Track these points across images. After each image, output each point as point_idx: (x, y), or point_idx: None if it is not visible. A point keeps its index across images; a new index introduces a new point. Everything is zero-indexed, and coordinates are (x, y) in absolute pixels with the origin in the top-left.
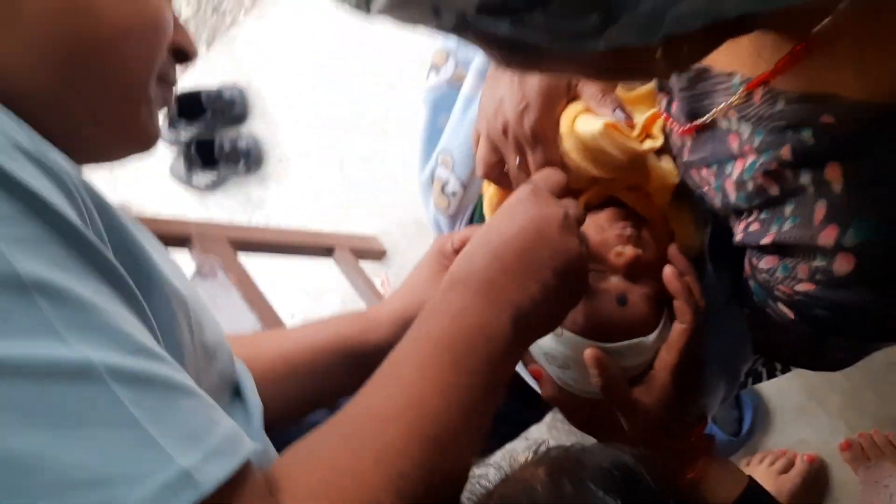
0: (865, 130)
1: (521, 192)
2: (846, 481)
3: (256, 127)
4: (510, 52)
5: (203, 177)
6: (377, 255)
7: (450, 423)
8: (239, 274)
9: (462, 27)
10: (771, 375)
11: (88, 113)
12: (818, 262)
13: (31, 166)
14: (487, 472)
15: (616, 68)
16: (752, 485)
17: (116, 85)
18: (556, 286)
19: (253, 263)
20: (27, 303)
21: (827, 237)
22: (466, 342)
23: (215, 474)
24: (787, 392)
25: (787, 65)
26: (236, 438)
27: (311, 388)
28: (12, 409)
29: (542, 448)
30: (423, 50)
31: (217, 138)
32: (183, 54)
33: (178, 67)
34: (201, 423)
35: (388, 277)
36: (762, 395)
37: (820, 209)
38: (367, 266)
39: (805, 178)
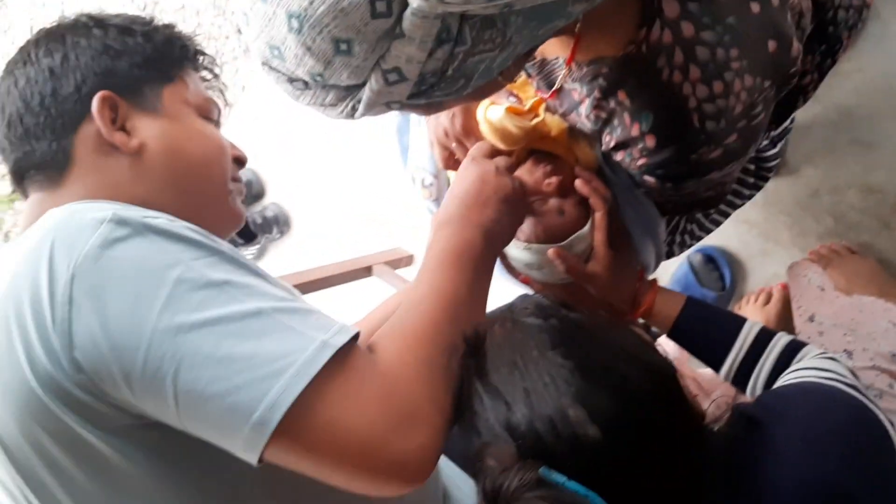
0: (622, 69)
1: (465, 162)
2: None
3: (275, 197)
4: (426, 109)
5: (247, 251)
6: (408, 261)
7: (456, 296)
8: None
9: (398, 108)
10: (703, 230)
11: (198, 209)
12: (640, 145)
13: (196, 233)
14: None
15: (484, 94)
16: (690, 300)
17: (209, 190)
18: (505, 209)
19: (313, 300)
20: (220, 291)
21: (635, 130)
22: (456, 253)
23: (340, 340)
24: (748, 243)
25: (574, 48)
26: (348, 326)
27: None
28: (231, 336)
29: None
30: None
31: (248, 216)
32: (240, 161)
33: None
34: (326, 322)
35: None
36: (732, 252)
37: (626, 117)
38: (403, 273)
39: (612, 104)
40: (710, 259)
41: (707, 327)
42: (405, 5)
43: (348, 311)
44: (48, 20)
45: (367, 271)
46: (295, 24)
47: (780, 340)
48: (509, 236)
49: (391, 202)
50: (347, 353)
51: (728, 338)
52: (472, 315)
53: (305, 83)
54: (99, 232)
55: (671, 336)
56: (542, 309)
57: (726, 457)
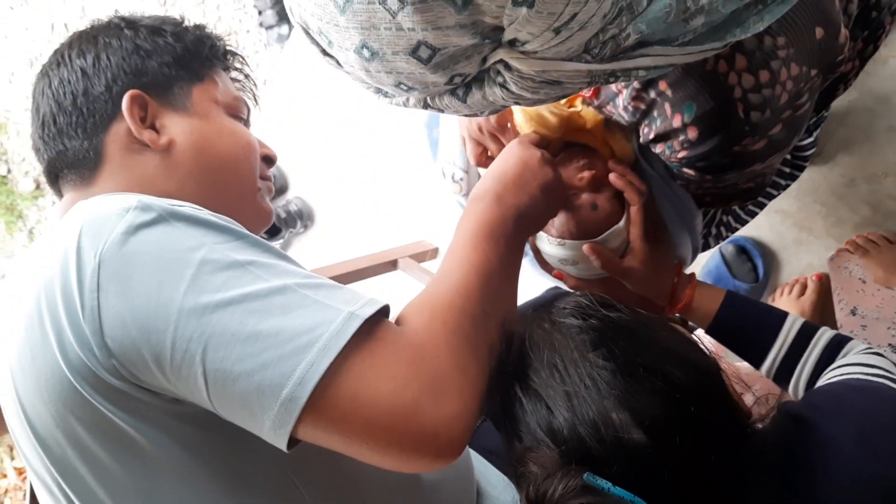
0: None
1: (511, 144)
2: None
3: (299, 191)
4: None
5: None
6: (433, 254)
7: (487, 268)
8: None
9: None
10: (740, 221)
11: (227, 205)
12: (681, 137)
13: (220, 219)
14: None
15: None
16: (730, 294)
17: (237, 187)
18: (542, 196)
19: None
20: (245, 271)
21: (677, 121)
22: (488, 228)
23: (368, 311)
24: (781, 233)
25: None
26: (376, 299)
27: None
28: (257, 313)
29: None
30: None
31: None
32: (269, 159)
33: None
34: (354, 295)
35: None
36: (765, 243)
37: (667, 107)
38: (428, 266)
39: (653, 94)
40: (743, 250)
41: (748, 323)
42: None
43: None
44: (68, 17)
45: (392, 265)
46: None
47: (824, 335)
48: (541, 223)
49: (415, 195)
50: (375, 324)
51: (769, 333)
52: (503, 293)
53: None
54: (124, 219)
55: (710, 332)
56: (581, 309)
57: (775, 457)
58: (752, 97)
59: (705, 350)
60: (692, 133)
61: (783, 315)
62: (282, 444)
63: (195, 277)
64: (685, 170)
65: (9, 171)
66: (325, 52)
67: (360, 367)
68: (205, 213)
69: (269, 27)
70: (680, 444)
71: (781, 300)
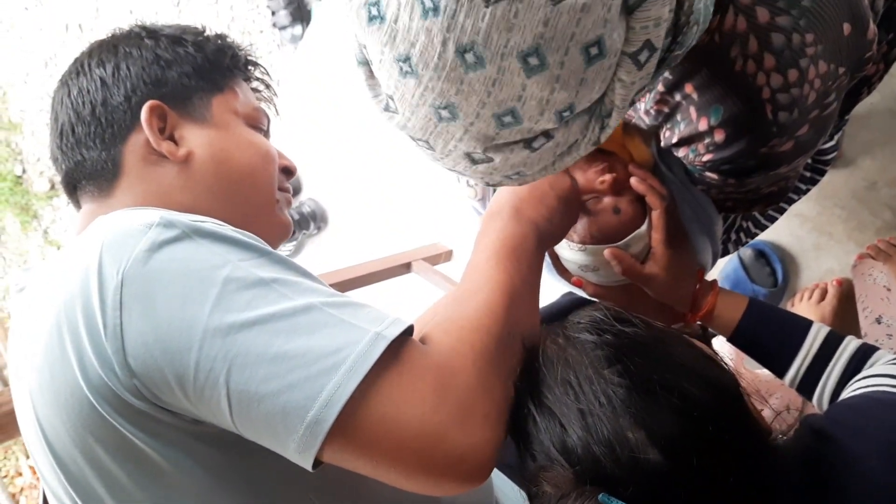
0: (692, 61)
1: None
2: None
3: (312, 192)
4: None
5: (285, 247)
6: (447, 256)
7: (512, 287)
8: None
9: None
10: (759, 227)
11: (245, 217)
12: (707, 140)
13: (243, 235)
14: None
15: None
16: (753, 302)
17: (256, 199)
18: (560, 207)
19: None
20: (270, 289)
21: (703, 124)
22: (510, 245)
23: (394, 331)
24: (801, 238)
25: None
26: (401, 318)
27: None
28: (282, 333)
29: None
30: None
31: None
32: (288, 171)
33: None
34: (379, 314)
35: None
36: (784, 247)
37: (693, 111)
38: (442, 268)
39: (678, 97)
40: (762, 254)
41: (771, 332)
42: None
43: (388, 308)
44: (83, 18)
45: (405, 267)
46: (534, 61)
47: (850, 345)
48: (559, 237)
49: (428, 196)
50: (401, 345)
51: (794, 343)
52: (527, 311)
53: (547, 133)
54: (147, 236)
55: (732, 341)
56: (596, 323)
57: (797, 475)
58: (780, 97)
59: (724, 365)
60: (719, 136)
61: (808, 324)
62: (307, 466)
63: (220, 296)
64: (707, 174)
65: (24, 172)
66: (528, 142)
67: (387, 390)
68: (228, 230)
69: (283, 27)
70: (697, 464)
71: (801, 305)
